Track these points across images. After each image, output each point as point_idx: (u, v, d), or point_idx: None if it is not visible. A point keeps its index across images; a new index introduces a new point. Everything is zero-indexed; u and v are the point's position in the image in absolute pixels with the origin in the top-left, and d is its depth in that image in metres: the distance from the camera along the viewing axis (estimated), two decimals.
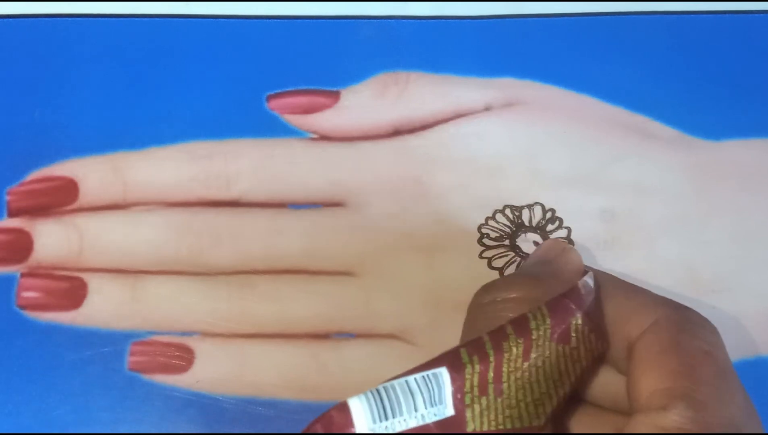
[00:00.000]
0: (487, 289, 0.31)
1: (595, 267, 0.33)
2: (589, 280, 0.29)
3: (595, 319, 0.29)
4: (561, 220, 0.37)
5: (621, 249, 0.37)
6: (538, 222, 0.37)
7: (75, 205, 0.38)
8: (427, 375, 0.28)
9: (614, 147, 0.39)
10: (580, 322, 0.28)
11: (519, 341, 0.28)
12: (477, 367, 0.27)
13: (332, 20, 0.41)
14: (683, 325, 0.28)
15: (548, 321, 0.28)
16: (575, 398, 0.30)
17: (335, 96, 0.39)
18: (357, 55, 0.40)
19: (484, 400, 0.27)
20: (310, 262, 0.37)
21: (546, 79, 0.40)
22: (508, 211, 0.37)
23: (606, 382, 0.30)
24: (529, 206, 0.38)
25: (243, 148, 0.39)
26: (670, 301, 0.29)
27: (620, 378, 0.29)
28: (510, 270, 0.37)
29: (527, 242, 0.37)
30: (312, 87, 0.40)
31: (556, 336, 0.28)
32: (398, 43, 0.40)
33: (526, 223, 0.37)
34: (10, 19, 0.41)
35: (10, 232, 0.37)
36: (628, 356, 0.28)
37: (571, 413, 0.30)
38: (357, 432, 0.27)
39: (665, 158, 0.38)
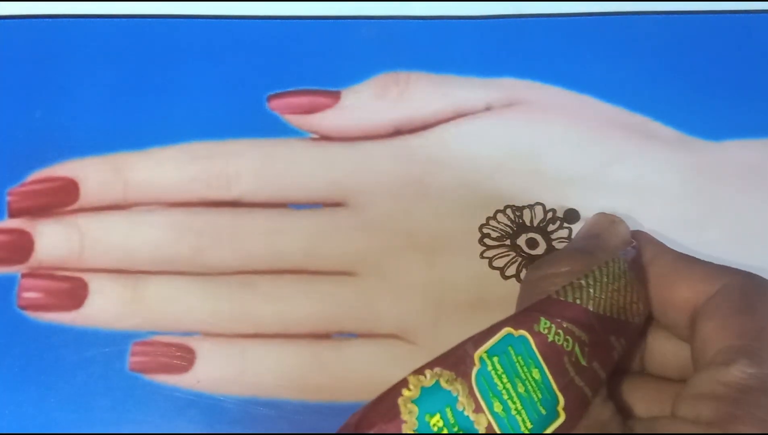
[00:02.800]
0: (537, 265, 0.31)
1: None
2: (631, 249, 0.30)
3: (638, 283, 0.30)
4: (562, 220, 0.37)
5: None
6: (539, 222, 0.37)
7: (76, 206, 0.38)
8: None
9: (614, 147, 0.39)
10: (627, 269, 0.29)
11: None
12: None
13: (332, 20, 0.41)
14: (752, 289, 0.29)
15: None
16: (631, 369, 0.31)
17: (336, 96, 0.39)
18: (357, 55, 0.40)
19: None
20: (310, 262, 0.37)
21: (546, 79, 0.40)
22: (509, 211, 0.38)
23: (663, 352, 0.31)
24: (530, 206, 0.38)
25: (244, 148, 0.39)
26: (738, 269, 0.30)
27: (678, 347, 0.30)
28: (511, 270, 0.37)
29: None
30: (312, 87, 0.40)
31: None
32: (398, 43, 0.40)
33: (527, 223, 0.37)
34: (10, 20, 0.41)
35: (11, 233, 0.37)
36: (692, 321, 0.29)
37: (629, 383, 0.31)
38: None
39: (665, 158, 0.38)
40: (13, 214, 0.38)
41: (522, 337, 0.28)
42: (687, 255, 0.32)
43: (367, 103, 0.39)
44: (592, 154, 0.39)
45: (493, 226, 0.37)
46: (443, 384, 0.28)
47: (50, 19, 0.41)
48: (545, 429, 0.28)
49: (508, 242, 0.37)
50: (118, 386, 0.36)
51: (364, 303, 0.36)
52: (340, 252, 0.37)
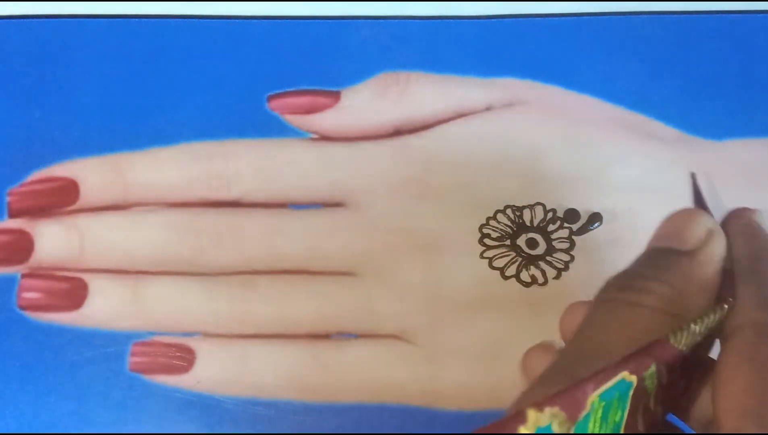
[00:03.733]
0: (624, 284, 0.27)
1: (596, 268, 0.33)
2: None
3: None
4: (562, 220, 0.37)
5: (622, 248, 0.37)
6: (540, 222, 0.37)
7: (76, 206, 0.38)
8: None
9: (615, 147, 0.39)
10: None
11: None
12: None
13: (332, 20, 0.41)
14: (764, 333, 0.25)
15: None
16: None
17: (336, 96, 0.39)
18: (357, 55, 0.40)
19: None
20: (310, 263, 0.37)
21: (546, 79, 0.40)
22: (509, 211, 0.37)
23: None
24: (531, 206, 0.38)
25: (244, 148, 0.39)
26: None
27: None
28: (511, 270, 0.36)
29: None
30: (312, 87, 0.40)
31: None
32: (398, 43, 0.41)
33: (528, 223, 0.37)
34: (10, 20, 0.41)
35: (11, 233, 0.37)
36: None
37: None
38: None
39: (666, 158, 0.38)
40: (13, 215, 0.38)
41: (630, 383, 0.26)
42: (755, 269, 0.27)
43: (367, 103, 0.39)
44: (592, 153, 0.39)
45: (493, 226, 0.37)
46: (555, 428, 0.26)
47: (50, 19, 0.41)
48: None
49: (508, 242, 0.37)
50: (118, 386, 0.36)
51: (364, 303, 0.36)
52: (340, 252, 0.37)
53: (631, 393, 0.26)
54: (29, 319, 0.36)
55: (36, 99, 0.39)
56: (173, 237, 0.37)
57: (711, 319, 0.26)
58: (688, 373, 0.27)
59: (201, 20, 0.41)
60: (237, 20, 0.41)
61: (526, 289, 0.36)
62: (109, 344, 0.36)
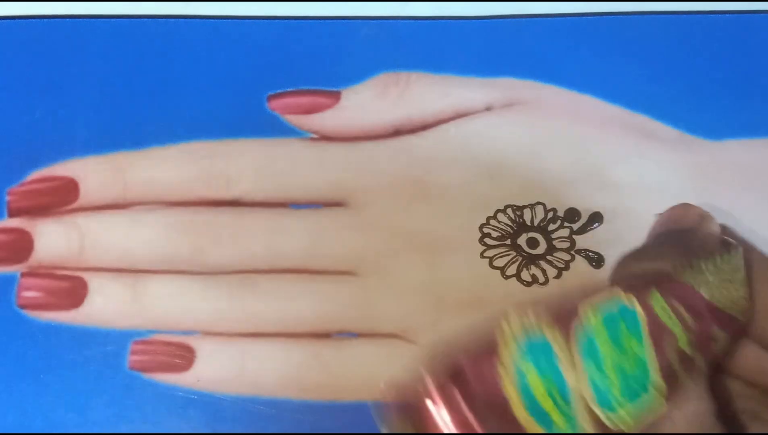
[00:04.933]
0: (633, 257, 0.30)
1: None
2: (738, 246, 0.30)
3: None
4: (563, 220, 0.37)
5: (622, 248, 0.37)
6: (540, 221, 0.37)
7: (76, 205, 0.38)
8: None
9: (615, 147, 0.39)
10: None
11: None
12: None
13: (332, 20, 0.41)
14: None
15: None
16: (721, 371, 0.30)
17: (336, 96, 0.39)
18: (357, 55, 0.40)
19: None
20: (311, 262, 0.37)
21: (546, 79, 0.40)
22: (509, 211, 0.37)
23: (749, 360, 0.30)
24: (531, 206, 0.38)
25: (244, 148, 0.39)
26: None
27: (762, 356, 0.29)
28: (511, 269, 0.36)
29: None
30: (312, 87, 0.40)
31: None
32: (398, 43, 0.41)
33: (528, 223, 0.37)
34: (10, 20, 0.41)
35: (11, 232, 0.37)
36: None
37: (717, 385, 0.30)
38: None
39: (666, 158, 0.38)
40: (12, 214, 0.38)
41: (631, 305, 0.27)
42: None
43: (367, 103, 0.39)
44: (592, 154, 0.39)
45: (494, 226, 0.37)
46: (545, 331, 0.27)
47: (50, 19, 0.41)
48: (635, 404, 0.27)
49: (508, 242, 0.37)
50: (118, 385, 0.35)
51: (364, 303, 0.36)
52: (340, 252, 0.37)
53: (641, 320, 0.27)
54: (29, 318, 0.36)
55: (36, 99, 0.39)
56: (173, 236, 0.37)
57: (721, 259, 0.28)
58: (728, 326, 0.28)
59: (201, 20, 0.41)
60: (237, 20, 0.41)
61: (526, 288, 0.36)
62: (108, 343, 0.36)
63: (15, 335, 0.36)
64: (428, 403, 0.27)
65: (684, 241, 0.30)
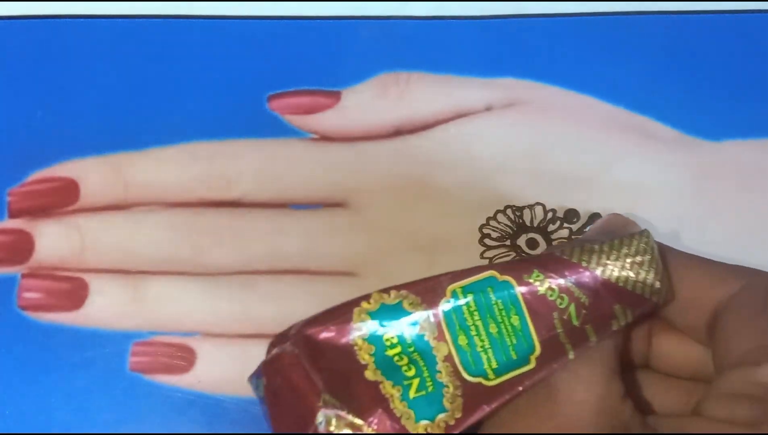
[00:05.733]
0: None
1: None
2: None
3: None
4: (562, 220, 0.37)
5: None
6: (540, 222, 0.37)
7: (76, 206, 0.38)
8: None
9: (614, 147, 0.39)
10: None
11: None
12: None
13: (332, 20, 0.41)
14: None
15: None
16: (644, 367, 0.31)
17: (336, 96, 0.39)
18: (357, 55, 0.40)
19: None
20: (311, 263, 0.37)
21: (546, 79, 0.40)
22: (509, 212, 0.38)
23: (671, 351, 0.31)
24: (531, 206, 0.38)
25: (244, 148, 0.39)
26: (754, 269, 0.30)
27: (688, 347, 0.30)
28: None
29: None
30: (313, 87, 0.40)
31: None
32: (398, 43, 0.40)
33: (528, 224, 0.37)
34: (10, 20, 0.41)
35: (11, 233, 0.37)
36: (712, 322, 0.29)
37: (642, 382, 0.31)
38: None
39: (665, 158, 0.38)
40: (13, 215, 0.38)
41: (506, 282, 0.29)
42: (701, 256, 0.31)
43: (367, 103, 0.39)
44: (592, 154, 0.39)
45: (494, 227, 0.37)
46: (406, 305, 0.30)
47: (50, 19, 0.41)
48: (510, 372, 0.29)
49: (508, 242, 0.37)
50: (119, 386, 0.36)
51: None
52: (340, 252, 0.37)
53: (519, 296, 0.29)
54: (29, 319, 0.36)
55: (36, 99, 0.39)
56: (173, 237, 0.37)
57: (620, 242, 0.29)
58: (633, 304, 0.29)
59: (201, 20, 0.41)
60: (237, 20, 0.41)
61: None
62: (109, 344, 0.36)
63: (15, 336, 0.36)
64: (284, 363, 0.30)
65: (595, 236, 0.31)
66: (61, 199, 0.38)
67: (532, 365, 0.29)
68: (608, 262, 0.29)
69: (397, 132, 0.39)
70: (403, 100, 0.39)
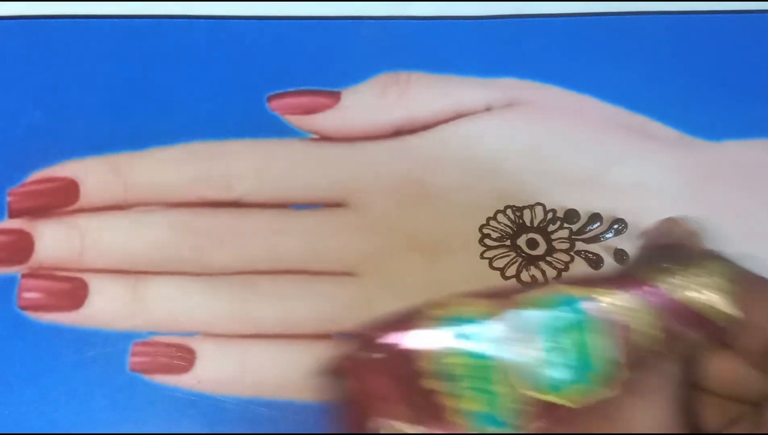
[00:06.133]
0: None
1: None
2: None
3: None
4: (562, 221, 0.37)
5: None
6: (540, 222, 0.37)
7: (76, 206, 0.38)
8: None
9: (615, 147, 0.39)
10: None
11: None
12: None
13: (332, 20, 0.41)
14: None
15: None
16: (698, 387, 0.31)
17: (336, 96, 0.39)
18: (357, 56, 0.40)
19: None
20: (311, 263, 0.37)
21: (546, 79, 0.40)
22: (509, 212, 0.38)
23: (726, 372, 0.30)
24: (531, 207, 0.38)
25: (244, 148, 0.39)
26: None
27: (742, 369, 0.30)
28: (511, 270, 0.37)
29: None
30: (313, 87, 0.40)
31: None
32: (398, 43, 0.41)
33: (528, 224, 0.37)
34: (10, 20, 0.41)
35: (11, 233, 0.37)
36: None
37: (694, 400, 0.30)
38: None
39: (666, 158, 0.38)
40: (13, 215, 0.38)
41: (576, 298, 0.29)
42: (761, 275, 0.30)
43: (367, 103, 0.39)
44: (592, 154, 0.39)
45: (494, 227, 0.37)
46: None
47: (50, 19, 0.41)
48: (570, 388, 0.28)
49: (508, 243, 0.37)
50: (118, 386, 0.36)
51: (364, 303, 0.36)
52: (340, 252, 0.37)
53: (588, 314, 0.28)
54: (29, 319, 0.36)
55: (36, 99, 0.39)
56: (173, 237, 0.37)
57: (696, 265, 0.29)
58: (703, 328, 0.29)
59: (201, 20, 0.41)
60: (237, 20, 0.41)
61: None
62: (109, 344, 0.36)
63: (16, 336, 0.36)
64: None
65: (666, 252, 0.31)
66: (61, 199, 0.38)
67: (593, 384, 0.28)
68: (682, 285, 0.28)
69: (397, 132, 0.39)
70: (403, 100, 0.39)
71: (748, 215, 0.38)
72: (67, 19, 0.41)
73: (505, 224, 0.37)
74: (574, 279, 0.30)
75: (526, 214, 0.37)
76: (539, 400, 0.28)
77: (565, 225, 0.37)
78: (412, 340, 0.29)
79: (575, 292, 0.29)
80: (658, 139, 0.39)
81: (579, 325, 0.28)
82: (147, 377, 0.36)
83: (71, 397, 0.35)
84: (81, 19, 0.41)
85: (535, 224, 0.37)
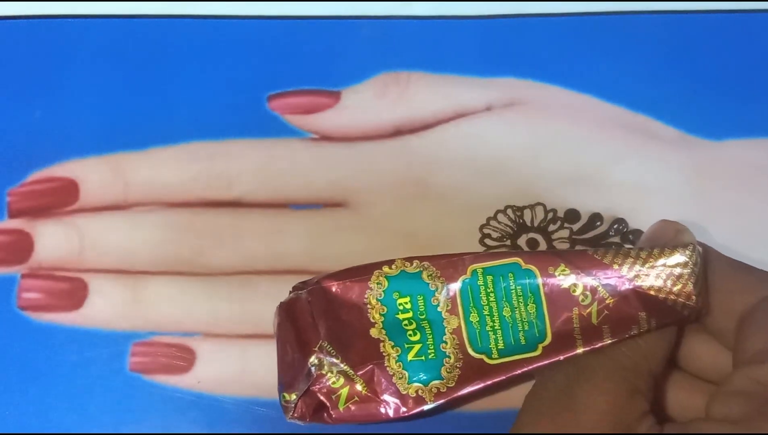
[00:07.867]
0: None
1: None
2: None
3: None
4: (563, 220, 0.37)
5: None
6: (540, 222, 0.37)
7: (76, 206, 0.38)
8: None
9: (615, 147, 0.39)
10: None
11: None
12: None
13: (332, 20, 0.41)
14: None
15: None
16: (672, 365, 0.32)
17: (336, 96, 0.39)
18: (357, 55, 0.40)
19: None
20: (311, 263, 0.37)
21: (546, 79, 0.40)
22: (509, 212, 0.37)
23: (701, 355, 0.32)
24: (531, 206, 0.38)
25: (244, 148, 0.39)
26: None
27: (718, 352, 0.31)
28: None
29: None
30: (313, 87, 0.40)
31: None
32: (398, 43, 0.40)
33: (528, 224, 0.37)
34: (10, 20, 0.41)
35: (11, 233, 0.37)
36: (737, 326, 0.29)
37: (669, 382, 0.32)
38: None
39: (666, 158, 0.38)
40: (13, 215, 0.38)
41: (529, 271, 0.30)
42: (741, 262, 0.32)
43: (367, 103, 0.39)
44: (592, 154, 0.39)
45: (494, 227, 0.37)
46: (425, 276, 0.31)
47: (50, 19, 0.41)
48: (514, 355, 0.30)
49: (508, 242, 0.37)
50: (118, 387, 0.36)
51: None
52: (340, 252, 0.37)
53: (541, 286, 0.30)
54: (29, 319, 0.36)
55: (36, 99, 0.39)
56: (173, 237, 0.37)
57: (664, 253, 0.30)
58: (660, 314, 0.30)
59: (201, 20, 0.41)
60: (237, 20, 0.41)
61: None
62: (109, 344, 0.36)
63: (15, 337, 0.36)
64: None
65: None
66: (61, 199, 0.38)
67: (538, 352, 0.30)
68: (643, 268, 0.29)
69: (397, 132, 0.39)
70: (403, 99, 0.39)
71: (748, 215, 0.38)
72: (67, 19, 0.41)
73: (505, 224, 0.37)
74: (533, 253, 0.31)
75: (527, 214, 0.37)
76: (481, 361, 0.30)
77: (566, 225, 0.37)
78: (367, 292, 0.32)
79: (532, 266, 0.30)
80: (659, 138, 0.39)
81: (533, 297, 0.30)
82: (147, 377, 0.36)
83: (71, 398, 0.35)
84: (81, 19, 0.41)
85: (536, 224, 0.37)
